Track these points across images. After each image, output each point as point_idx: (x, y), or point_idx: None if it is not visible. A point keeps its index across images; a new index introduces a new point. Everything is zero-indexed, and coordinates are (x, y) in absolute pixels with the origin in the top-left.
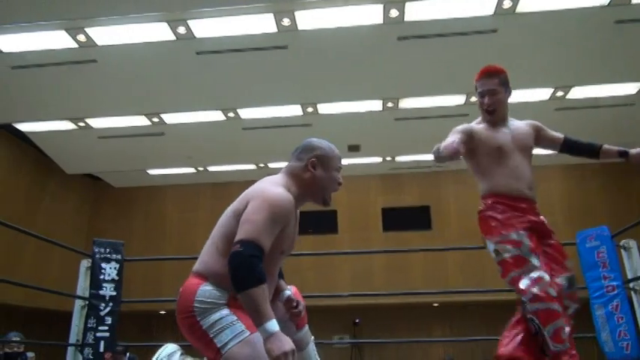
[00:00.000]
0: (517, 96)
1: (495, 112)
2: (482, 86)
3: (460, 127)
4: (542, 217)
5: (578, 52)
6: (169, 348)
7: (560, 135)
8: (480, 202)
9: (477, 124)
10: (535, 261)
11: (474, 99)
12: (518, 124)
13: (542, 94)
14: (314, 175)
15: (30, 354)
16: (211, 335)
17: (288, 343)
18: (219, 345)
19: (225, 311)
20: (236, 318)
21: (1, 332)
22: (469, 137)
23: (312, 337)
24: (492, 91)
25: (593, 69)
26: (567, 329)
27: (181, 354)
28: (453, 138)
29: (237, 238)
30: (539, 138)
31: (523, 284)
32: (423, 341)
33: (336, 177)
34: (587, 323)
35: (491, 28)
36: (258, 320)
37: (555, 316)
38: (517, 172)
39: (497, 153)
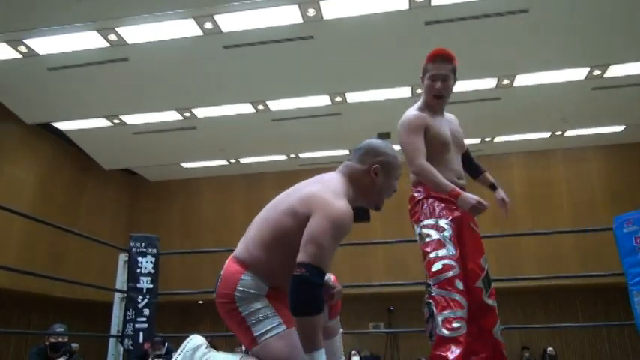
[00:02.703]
0: (552, 77)
1: (442, 99)
2: (437, 69)
3: (417, 123)
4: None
5: (613, 29)
6: (194, 341)
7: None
8: (412, 188)
9: (421, 111)
10: (452, 250)
11: (506, 82)
12: (452, 118)
13: (579, 73)
14: (374, 181)
15: (74, 345)
16: (249, 323)
17: None
18: (255, 334)
19: (265, 302)
20: (274, 311)
21: (47, 323)
22: (425, 131)
23: (341, 330)
24: (445, 77)
25: (631, 46)
26: (464, 324)
27: (206, 346)
28: (417, 144)
29: (302, 259)
30: None
31: (435, 267)
32: None
33: (394, 185)
34: (625, 310)
35: (522, 8)
36: (308, 346)
37: (451, 306)
38: (450, 166)
39: (441, 148)
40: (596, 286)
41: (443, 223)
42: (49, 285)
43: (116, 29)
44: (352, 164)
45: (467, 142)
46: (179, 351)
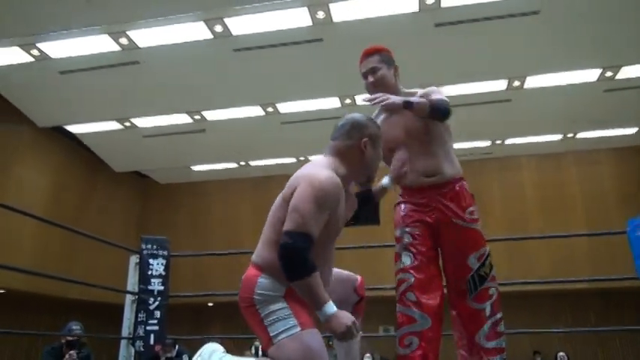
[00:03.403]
0: (564, 78)
1: (380, 90)
2: (363, 67)
3: None
4: (453, 203)
5: (625, 30)
6: (210, 348)
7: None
8: None
9: (375, 117)
10: (405, 260)
11: (516, 83)
12: None
13: (590, 75)
14: (364, 154)
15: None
16: (266, 324)
17: (347, 317)
18: (271, 334)
19: (282, 304)
20: (291, 313)
21: (58, 324)
22: None
23: (360, 333)
24: (373, 69)
25: None
26: (415, 339)
27: (222, 352)
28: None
29: (285, 228)
30: None
31: (396, 283)
32: None
33: (381, 154)
34: (639, 314)
35: (533, 9)
36: (316, 305)
37: (405, 322)
38: (411, 166)
39: (389, 152)
40: (610, 290)
41: (399, 232)
42: (61, 287)
43: (127, 33)
44: (339, 142)
45: (477, 144)
46: (196, 356)
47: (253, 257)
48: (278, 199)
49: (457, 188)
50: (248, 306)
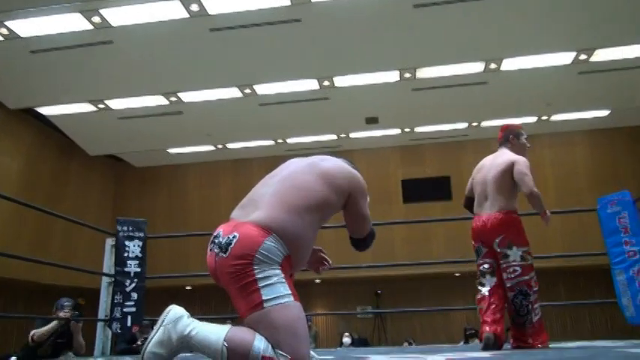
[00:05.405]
0: (538, 61)
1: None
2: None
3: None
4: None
5: (600, 12)
6: (174, 312)
7: None
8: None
9: None
10: None
11: (493, 66)
12: None
13: (565, 57)
14: None
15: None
16: (259, 285)
17: None
18: (263, 298)
19: (279, 271)
20: (285, 282)
21: (33, 311)
22: None
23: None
24: None
25: (618, 29)
26: None
27: (188, 317)
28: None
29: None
30: None
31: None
32: (445, 310)
33: None
34: (608, 288)
35: None
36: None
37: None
38: None
39: None
40: (580, 269)
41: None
42: (34, 272)
43: (100, 11)
44: None
45: (454, 126)
46: (158, 324)
47: (257, 217)
48: (302, 166)
49: None
50: (241, 263)
